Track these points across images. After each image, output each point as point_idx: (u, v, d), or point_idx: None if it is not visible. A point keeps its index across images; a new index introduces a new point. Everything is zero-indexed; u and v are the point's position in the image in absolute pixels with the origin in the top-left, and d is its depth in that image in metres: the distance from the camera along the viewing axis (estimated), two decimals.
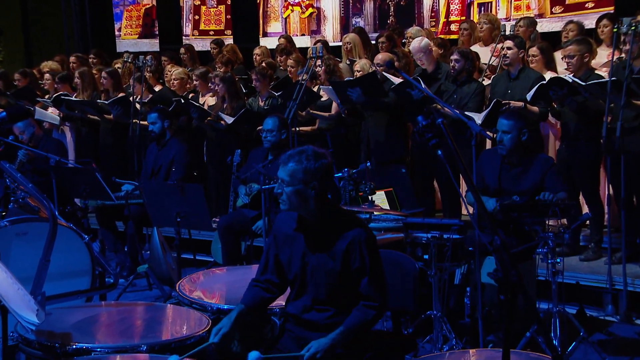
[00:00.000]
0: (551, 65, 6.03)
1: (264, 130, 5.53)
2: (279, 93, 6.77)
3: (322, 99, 6.79)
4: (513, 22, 7.33)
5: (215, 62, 8.32)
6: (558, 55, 6.06)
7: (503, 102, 5.55)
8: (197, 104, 7.22)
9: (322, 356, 2.84)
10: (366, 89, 6.16)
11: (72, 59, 9.17)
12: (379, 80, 6.22)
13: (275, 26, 10.67)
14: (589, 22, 7.12)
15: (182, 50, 9.08)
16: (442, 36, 8.44)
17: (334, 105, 6.71)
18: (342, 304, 2.99)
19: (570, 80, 5.18)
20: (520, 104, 5.54)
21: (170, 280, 5.34)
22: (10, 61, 11.23)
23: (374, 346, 3.12)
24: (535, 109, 5.59)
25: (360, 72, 6.60)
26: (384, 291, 2.99)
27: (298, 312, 3.06)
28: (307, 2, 10.28)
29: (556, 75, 5.72)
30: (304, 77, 6.32)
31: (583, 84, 5.13)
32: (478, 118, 5.38)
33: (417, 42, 6.41)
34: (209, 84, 7.41)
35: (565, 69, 5.60)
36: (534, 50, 6.00)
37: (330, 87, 6.53)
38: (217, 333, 2.93)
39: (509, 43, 5.83)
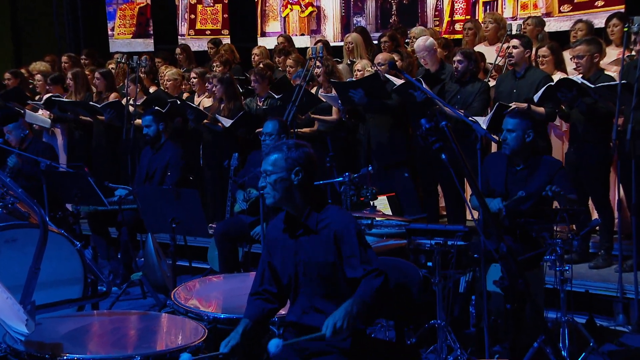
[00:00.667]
0: (561, 65, 6.04)
1: (264, 134, 5.54)
2: (279, 96, 6.76)
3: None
4: (519, 22, 7.34)
5: (212, 62, 8.34)
6: (566, 55, 6.07)
7: (507, 104, 5.55)
8: (194, 106, 7.23)
9: (341, 325, 2.82)
10: (368, 90, 6.17)
11: (64, 59, 9.19)
12: (381, 82, 6.23)
13: (273, 25, 10.69)
14: (599, 22, 7.13)
15: (177, 50, 9.10)
16: (446, 36, 8.45)
17: (335, 108, 6.73)
18: (340, 301, 3.00)
19: (580, 82, 5.18)
20: (524, 105, 5.54)
21: (165, 289, 5.33)
22: None
23: (376, 356, 3.12)
24: (541, 109, 5.60)
25: (361, 72, 6.62)
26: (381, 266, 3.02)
27: (297, 317, 3.08)
28: (307, 0, 10.29)
29: (566, 76, 5.72)
30: (302, 81, 6.32)
31: (592, 86, 5.13)
32: (482, 122, 5.38)
33: (422, 41, 6.43)
34: (207, 85, 7.43)
35: (574, 69, 5.61)
36: (544, 51, 6.00)
37: (329, 94, 6.55)
38: (226, 344, 2.97)
39: (514, 42, 5.84)
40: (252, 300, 3.19)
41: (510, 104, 5.56)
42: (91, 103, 7.67)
